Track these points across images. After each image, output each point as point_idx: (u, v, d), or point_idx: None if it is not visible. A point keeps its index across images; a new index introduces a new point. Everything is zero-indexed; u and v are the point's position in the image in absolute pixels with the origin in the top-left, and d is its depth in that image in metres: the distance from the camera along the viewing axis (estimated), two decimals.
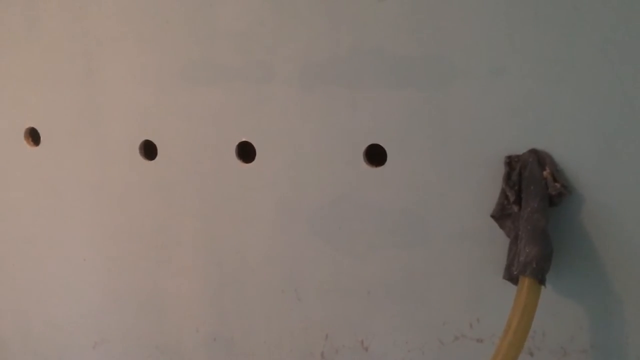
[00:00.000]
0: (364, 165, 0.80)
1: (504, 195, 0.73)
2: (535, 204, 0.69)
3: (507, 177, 0.72)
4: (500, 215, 0.73)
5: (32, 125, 0.98)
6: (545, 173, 0.70)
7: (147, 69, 0.88)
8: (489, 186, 0.74)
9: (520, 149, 0.72)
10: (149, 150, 0.92)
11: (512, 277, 0.71)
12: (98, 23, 0.90)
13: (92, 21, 0.90)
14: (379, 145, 0.79)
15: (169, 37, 0.86)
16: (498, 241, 0.74)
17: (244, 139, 0.85)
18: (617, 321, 0.71)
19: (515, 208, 0.71)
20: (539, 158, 0.71)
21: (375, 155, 0.80)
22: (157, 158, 0.91)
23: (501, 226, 0.74)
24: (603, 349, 0.73)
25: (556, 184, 0.69)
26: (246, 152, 0.86)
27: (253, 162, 0.86)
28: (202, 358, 0.95)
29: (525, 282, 0.67)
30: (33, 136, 0.99)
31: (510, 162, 0.72)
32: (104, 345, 1.02)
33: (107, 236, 0.97)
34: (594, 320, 0.73)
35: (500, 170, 0.73)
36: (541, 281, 0.67)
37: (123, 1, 0.88)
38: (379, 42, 0.75)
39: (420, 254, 0.79)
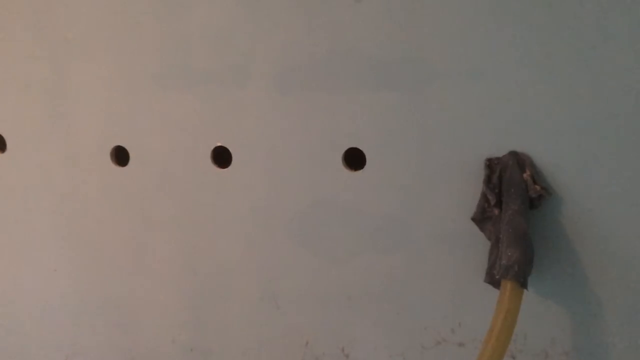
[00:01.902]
0: (343, 170, 0.79)
1: (484, 198, 0.72)
2: (516, 207, 0.68)
3: (488, 180, 0.72)
4: (481, 218, 0.73)
5: None
6: (525, 175, 0.70)
7: (118, 72, 0.86)
8: (469, 189, 0.73)
9: (500, 151, 0.72)
10: (120, 156, 0.90)
11: (493, 280, 0.70)
12: (66, 26, 0.87)
13: (60, 24, 0.87)
14: (358, 148, 0.78)
15: (140, 40, 0.84)
16: (479, 244, 0.74)
17: (219, 144, 0.84)
18: (598, 323, 0.72)
19: (496, 211, 0.71)
20: (519, 160, 0.70)
21: (354, 159, 0.79)
22: (129, 164, 0.89)
23: (482, 229, 0.73)
24: (585, 352, 0.73)
25: (536, 186, 0.69)
26: (222, 157, 0.85)
27: (229, 167, 0.84)
28: None
29: (508, 285, 0.66)
30: None
31: (490, 164, 0.72)
32: (76, 358, 0.99)
33: (78, 246, 0.95)
34: (576, 323, 0.73)
35: (480, 173, 0.72)
36: (523, 284, 0.66)
37: (92, 3, 0.85)
38: (356, 44, 0.74)
39: (401, 258, 0.78)
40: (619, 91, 0.66)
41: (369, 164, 0.77)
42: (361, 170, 0.78)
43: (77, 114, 0.89)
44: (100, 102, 0.88)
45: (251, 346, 0.89)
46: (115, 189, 0.90)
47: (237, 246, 0.86)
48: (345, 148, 0.78)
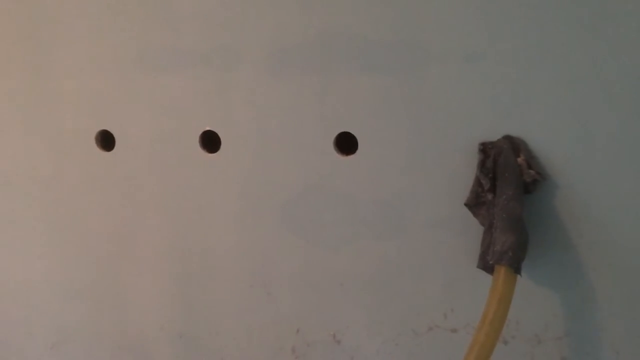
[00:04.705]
0: (335, 154, 0.78)
1: (478, 183, 0.71)
2: (510, 192, 0.68)
3: (482, 165, 0.71)
4: (475, 203, 0.72)
5: None
6: (519, 160, 0.69)
7: (103, 53, 0.84)
8: (463, 174, 0.72)
9: (494, 135, 0.71)
10: (106, 140, 0.88)
11: (486, 266, 0.70)
12: (49, 5, 0.84)
13: (44, 4, 0.85)
14: (350, 133, 0.76)
15: (127, 20, 0.82)
16: (472, 230, 0.73)
17: (208, 128, 0.82)
18: (591, 308, 0.71)
19: (490, 196, 0.70)
20: (514, 145, 0.70)
21: (346, 143, 0.77)
22: (115, 149, 0.87)
23: (475, 214, 0.73)
24: (577, 336, 0.73)
25: (531, 170, 0.69)
26: (211, 141, 0.83)
27: (218, 152, 0.82)
28: (168, 357, 0.92)
29: (501, 271, 0.66)
30: None
31: (485, 149, 0.71)
32: (62, 346, 0.98)
33: (63, 231, 0.93)
34: (568, 308, 0.73)
35: (474, 157, 0.71)
36: (517, 270, 0.66)
37: None
38: (350, 26, 0.73)
39: (394, 244, 0.78)
40: (614, 75, 0.66)
41: (361, 148, 0.76)
42: (353, 155, 0.77)
43: (61, 97, 0.87)
44: (85, 85, 0.86)
45: (241, 334, 0.88)
46: (101, 174, 0.88)
47: (226, 233, 0.85)
48: (337, 132, 0.77)
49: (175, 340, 0.92)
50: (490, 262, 0.68)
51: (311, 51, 0.75)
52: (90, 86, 0.86)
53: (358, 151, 0.77)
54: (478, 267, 0.71)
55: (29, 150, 0.91)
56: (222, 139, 0.82)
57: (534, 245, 0.71)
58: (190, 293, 0.89)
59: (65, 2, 0.84)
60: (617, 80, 0.66)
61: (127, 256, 0.91)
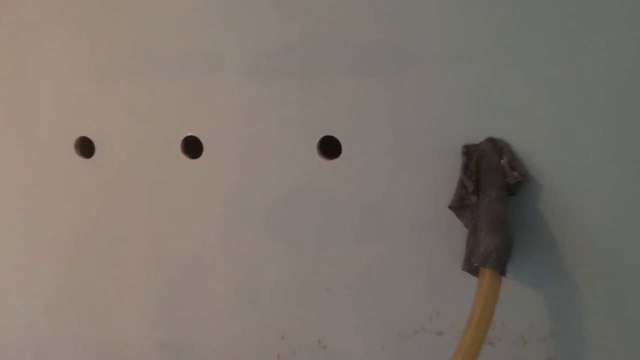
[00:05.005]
0: (318, 158, 0.77)
1: (462, 185, 0.71)
2: (494, 194, 0.68)
3: (465, 167, 0.71)
4: (459, 205, 0.72)
5: None
6: (502, 162, 0.69)
7: (81, 59, 0.83)
8: (447, 176, 0.72)
9: (477, 137, 0.71)
10: (85, 147, 0.87)
11: (471, 268, 0.70)
12: (24, 8, 0.83)
13: (18, 6, 0.84)
14: (333, 137, 0.76)
15: (106, 24, 0.81)
16: (456, 232, 0.73)
17: (189, 134, 0.81)
18: (575, 309, 0.72)
19: (474, 198, 0.70)
20: (496, 147, 0.70)
21: (330, 147, 0.77)
22: (94, 156, 0.86)
23: (459, 217, 0.73)
24: (562, 337, 0.73)
25: (514, 172, 0.69)
26: (193, 147, 0.82)
27: (200, 158, 0.82)
28: None
29: (486, 273, 0.66)
30: None
31: (468, 151, 0.71)
32: (43, 357, 0.96)
33: (43, 241, 0.91)
34: (553, 309, 0.73)
35: (458, 160, 0.71)
36: (502, 272, 0.66)
37: None
38: (331, 28, 0.72)
39: (378, 247, 0.77)
40: (596, 76, 0.66)
41: (344, 152, 0.76)
42: (337, 159, 0.77)
43: (38, 103, 0.86)
44: (63, 91, 0.85)
45: (225, 342, 0.87)
46: (81, 182, 0.87)
47: (209, 239, 0.84)
48: (320, 136, 0.77)
49: (158, 350, 0.90)
50: (475, 265, 0.68)
51: (293, 54, 0.74)
52: (69, 92, 0.84)
53: (342, 155, 0.76)
54: (463, 269, 0.71)
55: (6, 158, 0.90)
56: (204, 144, 0.81)
57: (518, 247, 0.71)
58: (173, 302, 0.88)
59: (42, 7, 0.83)
60: (599, 82, 0.66)
61: (108, 264, 0.89)
